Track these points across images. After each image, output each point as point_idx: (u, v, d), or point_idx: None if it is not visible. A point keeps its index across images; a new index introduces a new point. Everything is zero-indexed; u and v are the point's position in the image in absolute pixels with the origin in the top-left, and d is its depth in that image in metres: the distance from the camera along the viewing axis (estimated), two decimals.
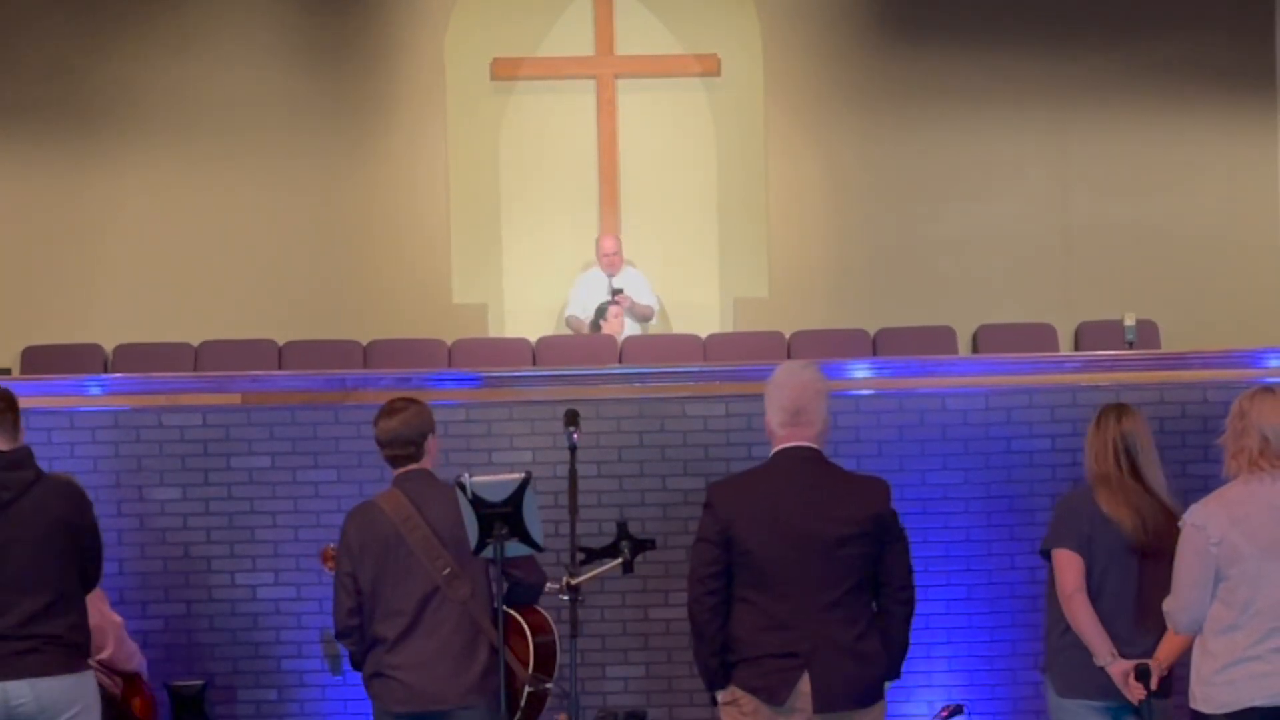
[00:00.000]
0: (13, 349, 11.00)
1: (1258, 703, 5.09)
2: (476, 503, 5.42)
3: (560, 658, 5.95)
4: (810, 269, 11.89)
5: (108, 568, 5.82)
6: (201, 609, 7.03)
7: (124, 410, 7.10)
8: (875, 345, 10.93)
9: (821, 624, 5.24)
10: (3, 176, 11.64)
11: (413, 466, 5.84)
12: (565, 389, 7.12)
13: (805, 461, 5.36)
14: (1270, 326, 11.40)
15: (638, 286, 11.60)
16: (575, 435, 5.99)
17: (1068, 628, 5.67)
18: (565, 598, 5.73)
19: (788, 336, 10.96)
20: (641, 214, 12.10)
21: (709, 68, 12.15)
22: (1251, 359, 7.28)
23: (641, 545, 5.89)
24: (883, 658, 5.33)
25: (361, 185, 11.78)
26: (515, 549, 5.49)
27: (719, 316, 12.03)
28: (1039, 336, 11.01)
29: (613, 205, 12.07)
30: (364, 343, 10.98)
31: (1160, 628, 5.50)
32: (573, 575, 5.75)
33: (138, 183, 11.68)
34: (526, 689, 5.78)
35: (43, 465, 5.57)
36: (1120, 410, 5.78)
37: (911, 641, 5.45)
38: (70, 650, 5.44)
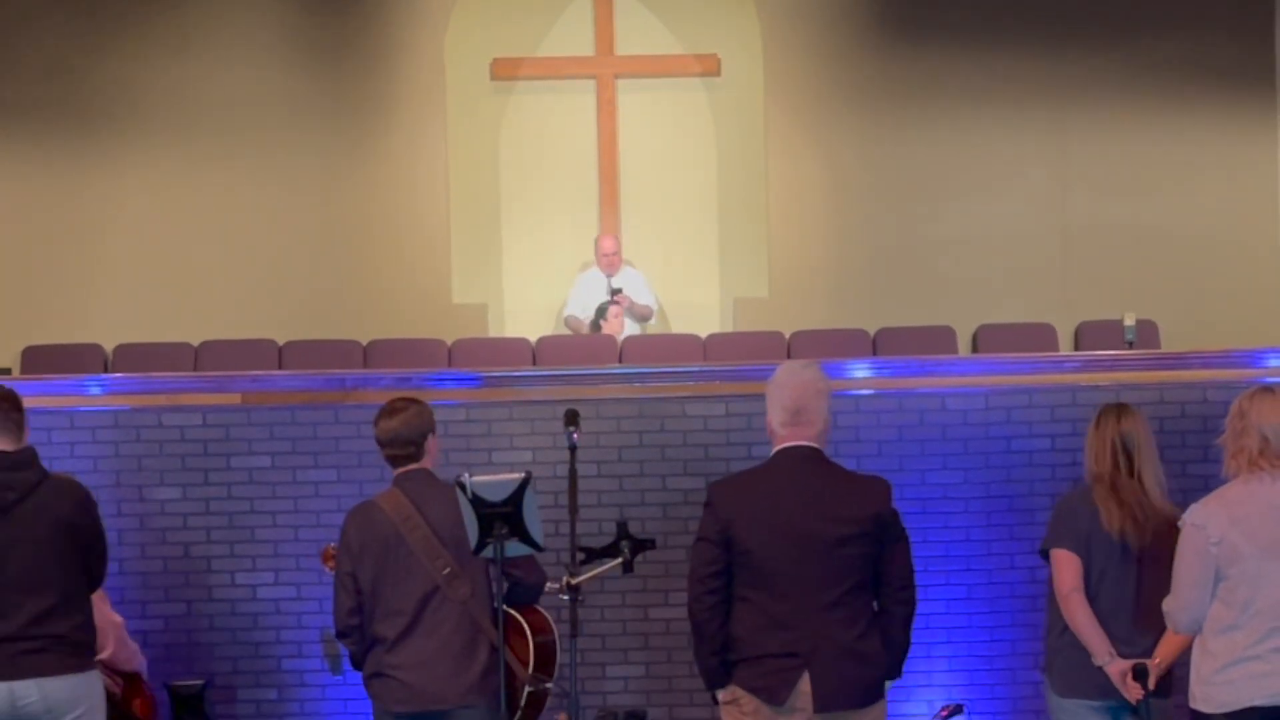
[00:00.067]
0: (13, 349, 11.00)
1: (1257, 702, 5.09)
2: (476, 502, 5.42)
3: (560, 657, 5.95)
4: (810, 269, 11.89)
5: (108, 568, 5.82)
6: (202, 609, 7.04)
7: (124, 410, 7.10)
8: (875, 345, 10.93)
9: (822, 624, 5.23)
10: (3, 176, 11.64)
11: (413, 466, 5.85)
12: (565, 389, 7.12)
13: (806, 461, 5.36)
14: (1270, 326, 11.41)
15: (636, 286, 11.60)
16: (575, 435, 5.99)
17: (1066, 627, 5.68)
18: (565, 597, 5.73)
19: (788, 336, 10.96)
20: (641, 214, 12.11)
21: (709, 68, 12.15)
22: (1251, 359, 7.28)
23: (641, 545, 5.89)
24: (883, 657, 5.32)
25: (361, 185, 11.78)
26: (515, 549, 5.49)
27: (719, 316, 12.03)
28: (1039, 336, 11.01)
29: (613, 205, 12.08)
30: (364, 343, 10.99)
31: (1159, 627, 5.50)
32: (573, 575, 5.75)
33: (138, 183, 11.68)
34: (526, 689, 5.78)
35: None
36: (1120, 410, 5.78)
37: (912, 641, 5.45)
38: (76, 650, 5.46)
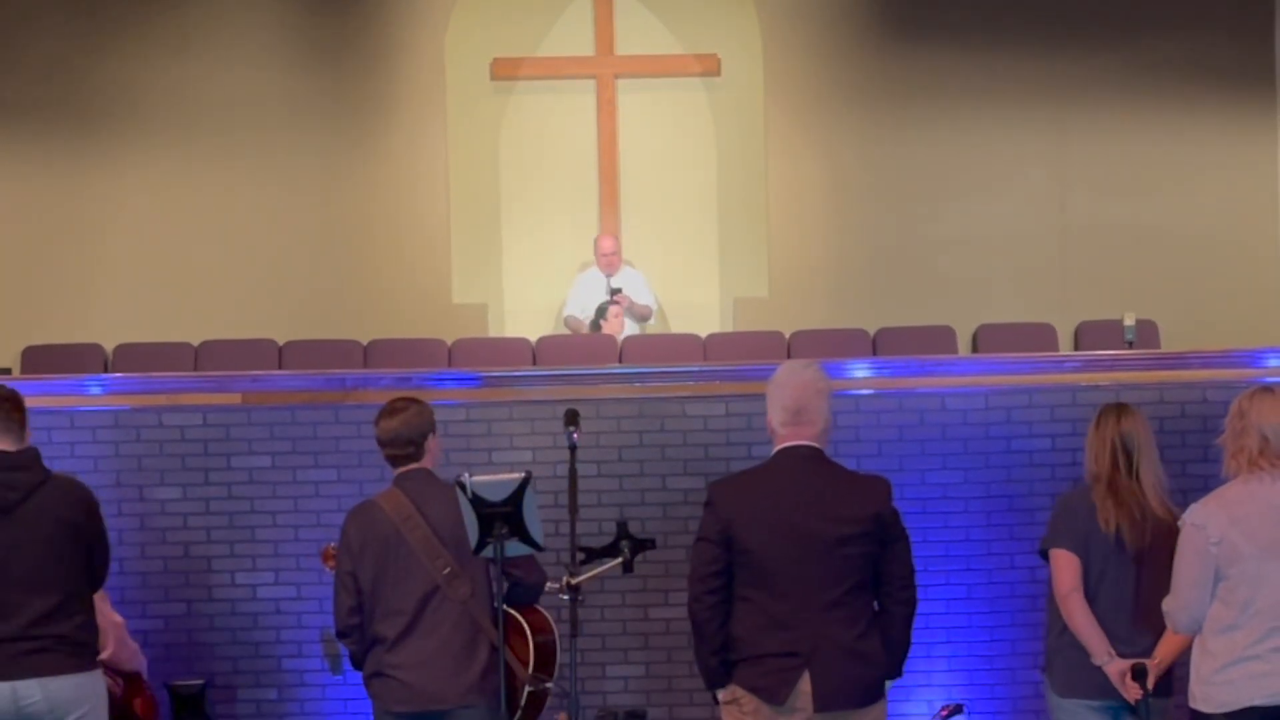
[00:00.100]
0: (13, 349, 11.00)
1: (1257, 702, 5.10)
2: (476, 502, 5.42)
3: (560, 657, 5.95)
4: (810, 269, 11.90)
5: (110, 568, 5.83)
6: (202, 608, 7.04)
7: (124, 410, 7.10)
8: (875, 345, 10.93)
9: (822, 623, 5.23)
10: (3, 176, 11.64)
11: (413, 466, 5.85)
12: (565, 389, 7.12)
13: (806, 460, 5.36)
14: (1270, 326, 11.41)
15: (636, 286, 11.60)
16: (575, 435, 5.99)
17: (1066, 627, 5.68)
18: (565, 597, 5.73)
19: (788, 336, 10.96)
20: (641, 214, 12.11)
21: (709, 68, 12.15)
22: (1251, 359, 7.28)
23: (641, 545, 5.89)
24: (883, 657, 5.32)
25: (361, 185, 11.78)
26: (515, 548, 5.49)
27: (719, 316, 12.03)
28: (1039, 336, 11.01)
29: (612, 205, 12.08)
30: (364, 342, 10.99)
31: (1158, 627, 5.51)
32: (573, 575, 5.75)
33: (138, 183, 11.68)
34: (526, 688, 5.78)
35: None
36: (1120, 410, 5.78)
37: (912, 641, 5.45)
38: (79, 649, 5.47)
